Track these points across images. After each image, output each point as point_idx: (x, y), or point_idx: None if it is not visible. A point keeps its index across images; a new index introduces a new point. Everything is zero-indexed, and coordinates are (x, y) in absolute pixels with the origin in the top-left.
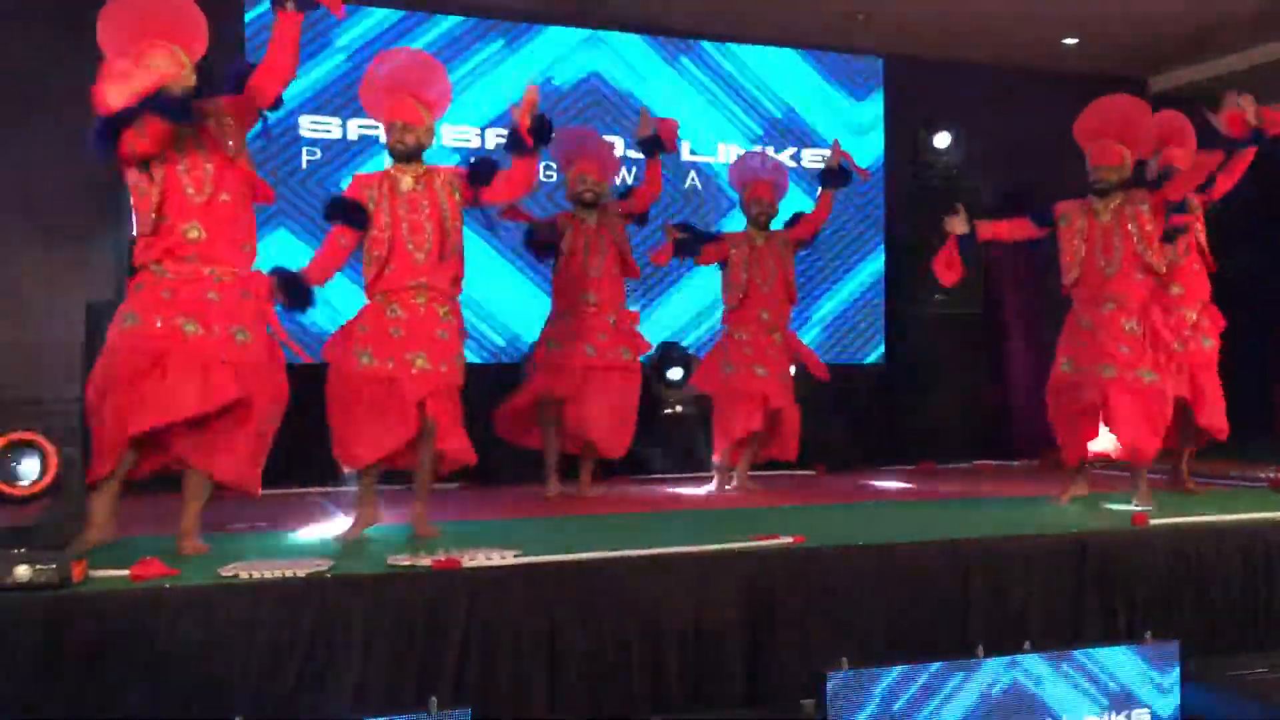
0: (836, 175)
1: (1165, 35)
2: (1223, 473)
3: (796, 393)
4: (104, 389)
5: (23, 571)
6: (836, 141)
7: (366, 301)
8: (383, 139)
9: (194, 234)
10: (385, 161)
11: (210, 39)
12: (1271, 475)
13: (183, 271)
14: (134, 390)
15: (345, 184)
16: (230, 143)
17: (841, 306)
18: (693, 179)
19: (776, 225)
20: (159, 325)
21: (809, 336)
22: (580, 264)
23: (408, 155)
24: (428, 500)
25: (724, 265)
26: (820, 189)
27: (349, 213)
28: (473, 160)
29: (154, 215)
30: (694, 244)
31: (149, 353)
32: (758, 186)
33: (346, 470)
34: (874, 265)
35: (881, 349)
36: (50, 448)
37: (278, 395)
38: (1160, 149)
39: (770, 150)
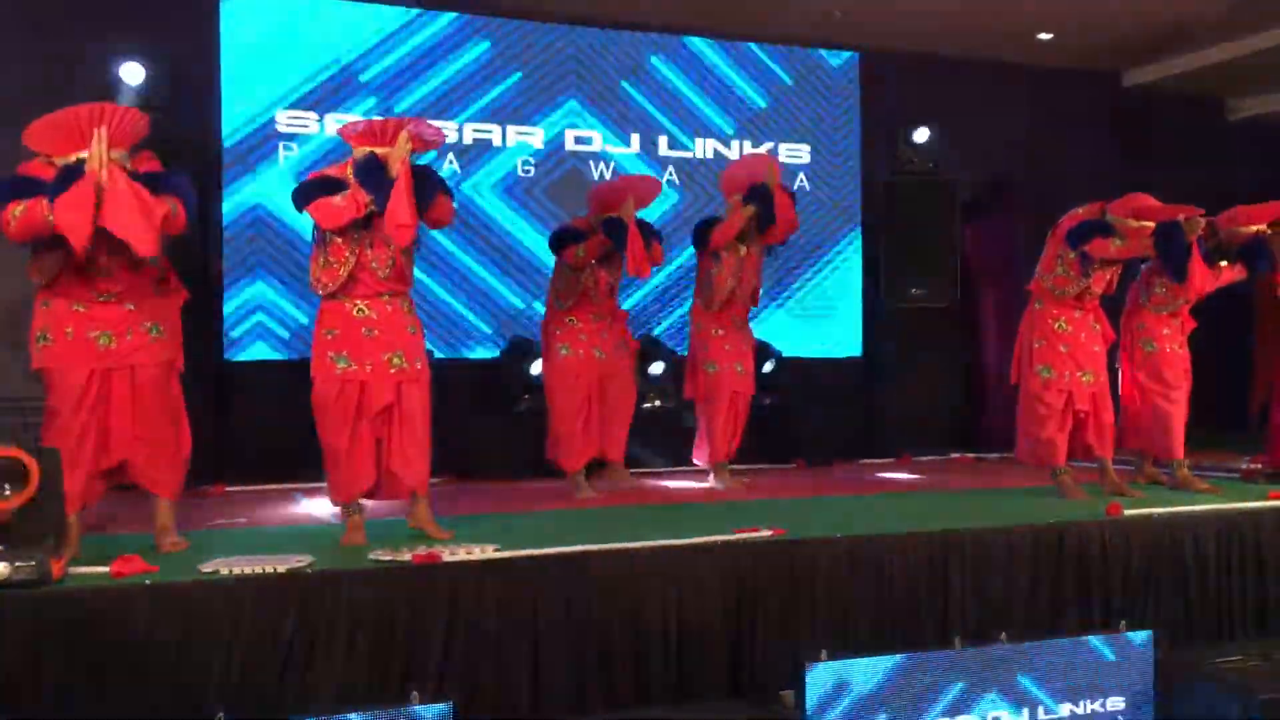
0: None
1: (1139, 30)
2: (1198, 464)
3: (777, 386)
4: (53, 430)
5: (1, 569)
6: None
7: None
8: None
9: (107, 296)
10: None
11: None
12: (1245, 466)
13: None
14: (76, 422)
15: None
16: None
17: (818, 300)
18: (670, 173)
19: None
20: (70, 336)
21: (787, 330)
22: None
23: None
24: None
25: (708, 266)
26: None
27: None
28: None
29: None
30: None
31: (74, 372)
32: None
33: None
34: (851, 259)
35: (859, 342)
36: (30, 460)
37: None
38: None
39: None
